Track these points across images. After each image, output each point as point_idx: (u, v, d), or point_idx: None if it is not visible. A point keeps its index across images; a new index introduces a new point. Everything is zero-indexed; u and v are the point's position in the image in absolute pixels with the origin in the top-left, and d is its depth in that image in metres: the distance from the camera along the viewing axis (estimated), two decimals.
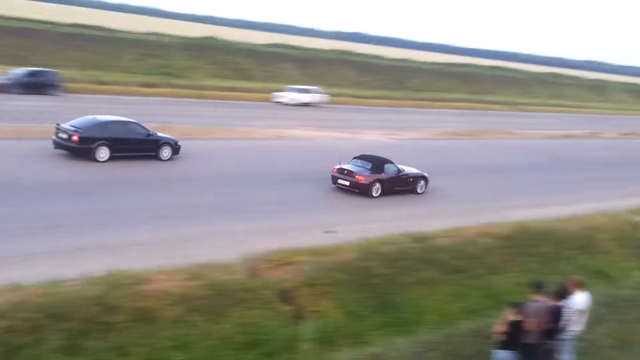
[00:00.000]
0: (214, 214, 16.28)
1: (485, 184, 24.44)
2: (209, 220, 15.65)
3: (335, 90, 53.68)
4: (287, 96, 47.82)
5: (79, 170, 19.03)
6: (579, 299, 9.78)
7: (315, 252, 12.75)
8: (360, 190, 19.91)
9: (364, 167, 20.37)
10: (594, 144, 40.90)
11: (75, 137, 19.64)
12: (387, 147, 28.47)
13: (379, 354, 9.82)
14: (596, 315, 11.20)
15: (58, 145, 20.28)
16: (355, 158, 21.05)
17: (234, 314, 10.21)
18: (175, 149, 21.91)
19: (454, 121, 44.51)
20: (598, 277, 14.91)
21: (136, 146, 21.01)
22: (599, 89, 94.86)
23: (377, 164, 20.52)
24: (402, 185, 21.02)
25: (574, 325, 9.69)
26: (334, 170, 20.65)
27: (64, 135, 19.98)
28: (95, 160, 19.81)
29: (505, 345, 9.23)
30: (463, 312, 12.26)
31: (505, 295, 12.70)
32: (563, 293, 9.69)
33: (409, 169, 21.50)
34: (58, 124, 20.46)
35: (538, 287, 9.59)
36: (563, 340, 9.67)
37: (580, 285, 9.97)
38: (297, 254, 12.51)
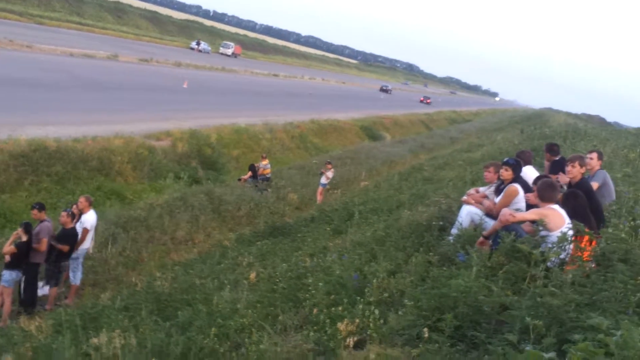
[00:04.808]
0: None
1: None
2: None
3: None
4: None
5: None
6: (89, 218, 10.31)
7: None
8: None
9: None
10: (112, 66, 40.62)
11: None
12: None
13: None
14: (108, 235, 12.04)
15: None
16: None
17: None
18: None
19: None
20: (113, 197, 15.66)
21: None
22: (119, 11, 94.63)
23: None
24: None
25: (84, 244, 10.20)
26: None
27: None
28: None
29: (12, 265, 9.25)
30: None
31: (18, 215, 12.55)
32: (73, 214, 10.04)
33: None
34: None
35: (41, 207, 9.72)
36: (72, 258, 10.10)
37: (90, 205, 10.46)
38: None
